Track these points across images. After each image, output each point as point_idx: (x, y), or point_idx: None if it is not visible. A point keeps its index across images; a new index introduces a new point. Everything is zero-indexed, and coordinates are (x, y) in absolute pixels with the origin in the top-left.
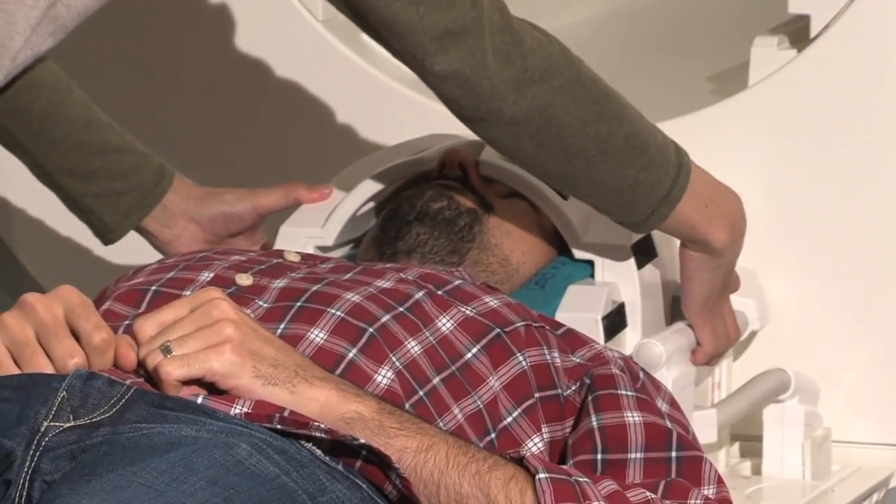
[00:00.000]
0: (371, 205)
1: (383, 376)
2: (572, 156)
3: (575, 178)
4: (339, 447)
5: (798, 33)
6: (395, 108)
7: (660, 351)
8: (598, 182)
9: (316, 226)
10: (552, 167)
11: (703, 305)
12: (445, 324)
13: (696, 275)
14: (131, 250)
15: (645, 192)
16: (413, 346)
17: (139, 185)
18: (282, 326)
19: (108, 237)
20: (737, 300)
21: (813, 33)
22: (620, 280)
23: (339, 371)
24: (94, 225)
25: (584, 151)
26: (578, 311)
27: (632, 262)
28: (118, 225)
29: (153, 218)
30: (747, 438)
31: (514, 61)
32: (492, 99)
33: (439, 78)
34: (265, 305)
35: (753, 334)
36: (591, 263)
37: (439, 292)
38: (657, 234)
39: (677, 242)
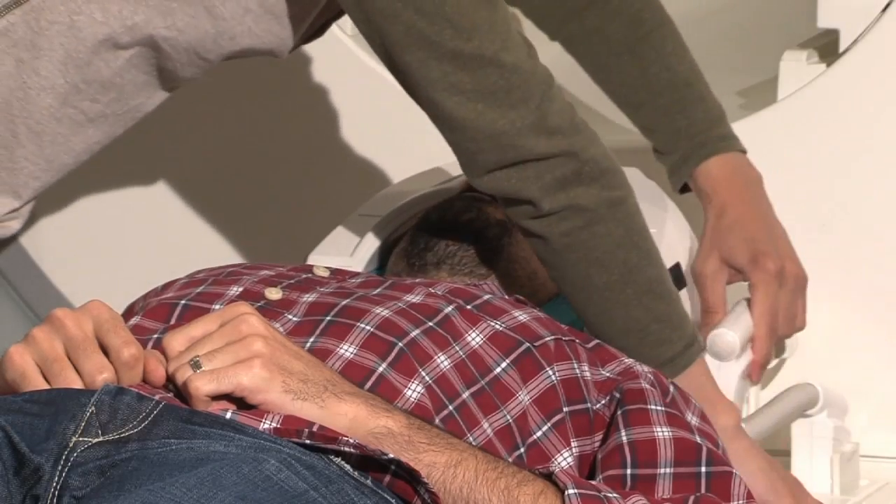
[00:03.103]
0: (399, 232)
1: (413, 391)
2: (594, 272)
3: (588, 298)
4: (368, 462)
5: (827, 48)
6: (425, 126)
7: (732, 339)
8: (608, 312)
9: (345, 254)
10: (572, 275)
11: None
12: (475, 338)
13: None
14: (158, 267)
15: (653, 345)
16: (442, 361)
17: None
18: (311, 340)
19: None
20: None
21: (842, 48)
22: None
23: (368, 385)
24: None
25: (607, 272)
26: None
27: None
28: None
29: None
30: (776, 453)
31: (569, 164)
32: (531, 196)
33: (483, 183)
34: (294, 319)
35: (783, 360)
36: None
37: (468, 307)
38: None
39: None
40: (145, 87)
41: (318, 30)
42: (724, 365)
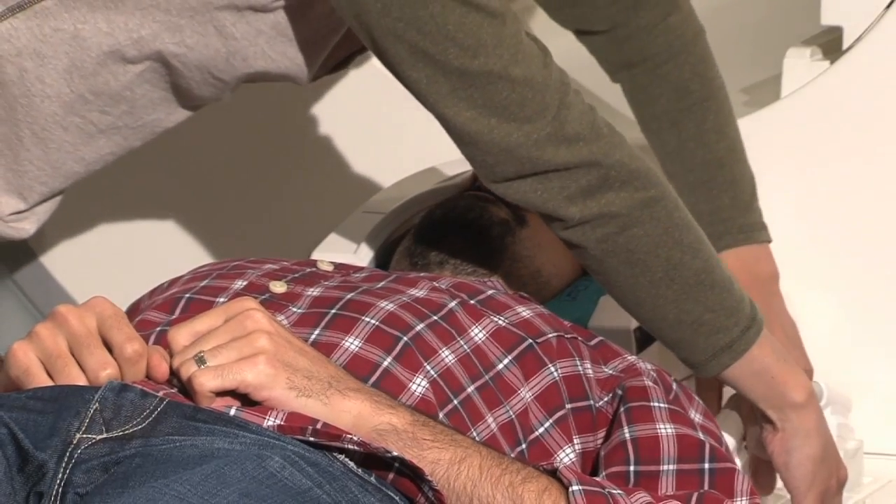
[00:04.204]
0: (403, 230)
1: (418, 385)
2: (638, 272)
3: (637, 298)
4: (372, 459)
5: (831, 45)
6: (429, 124)
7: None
8: (659, 309)
9: (349, 252)
10: (617, 279)
11: (809, 488)
12: (478, 334)
13: (791, 453)
14: (162, 263)
15: (707, 334)
16: (447, 355)
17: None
18: (316, 332)
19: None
20: None
21: (845, 45)
22: None
23: (373, 379)
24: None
25: (650, 272)
26: (611, 321)
27: None
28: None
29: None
30: None
31: (593, 172)
32: (558, 208)
33: (505, 191)
34: (299, 311)
35: None
36: None
37: (472, 302)
38: None
39: None
40: (162, 104)
41: (344, 60)
42: None
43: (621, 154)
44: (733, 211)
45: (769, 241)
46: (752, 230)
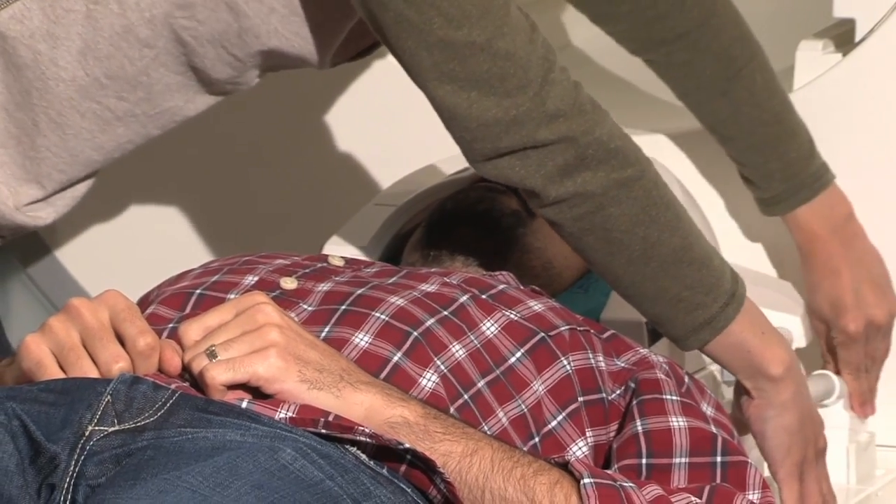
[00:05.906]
0: (414, 222)
1: (428, 380)
2: (615, 250)
3: (615, 275)
4: (384, 451)
5: (843, 37)
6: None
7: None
8: (637, 285)
9: (360, 244)
10: (594, 256)
11: (785, 457)
12: (490, 328)
13: (767, 422)
14: (174, 256)
15: (686, 310)
16: (457, 350)
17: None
18: (326, 330)
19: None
20: (781, 318)
21: (858, 37)
22: None
23: (383, 375)
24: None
25: (627, 250)
26: (623, 314)
27: None
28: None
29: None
30: None
31: (569, 150)
32: (535, 185)
33: (485, 169)
34: (309, 309)
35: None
36: None
37: (483, 296)
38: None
39: None
40: (179, 89)
41: (367, 49)
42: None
43: (601, 132)
44: (800, 163)
45: (834, 177)
46: (822, 174)
